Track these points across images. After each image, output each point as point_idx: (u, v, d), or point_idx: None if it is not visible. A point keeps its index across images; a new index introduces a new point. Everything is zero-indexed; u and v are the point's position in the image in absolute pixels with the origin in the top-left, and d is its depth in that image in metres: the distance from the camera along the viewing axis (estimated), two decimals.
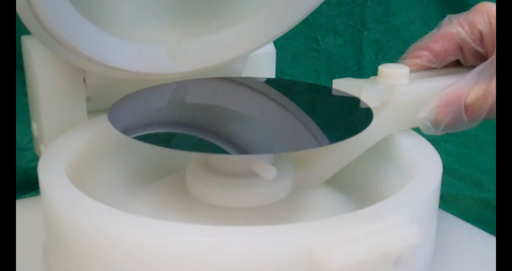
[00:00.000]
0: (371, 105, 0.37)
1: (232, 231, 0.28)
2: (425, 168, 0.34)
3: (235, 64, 0.46)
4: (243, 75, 0.47)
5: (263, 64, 0.49)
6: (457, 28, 0.39)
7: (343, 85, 0.40)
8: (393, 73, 0.38)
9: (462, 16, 0.40)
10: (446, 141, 0.66)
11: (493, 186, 0.58)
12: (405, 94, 0.38)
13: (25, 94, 0.43)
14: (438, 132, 0.38)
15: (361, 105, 0.37)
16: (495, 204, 0.53)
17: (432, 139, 0.38)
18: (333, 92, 0.40)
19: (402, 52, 0.41)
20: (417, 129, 0.39)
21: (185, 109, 0.40)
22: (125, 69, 0.39)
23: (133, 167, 0.42)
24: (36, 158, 0.41)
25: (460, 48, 0.40)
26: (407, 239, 0.28)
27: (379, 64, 0.39)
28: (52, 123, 0.40)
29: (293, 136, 0.36)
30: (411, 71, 0.39)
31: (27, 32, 0.36)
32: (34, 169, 0.34)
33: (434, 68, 0.41)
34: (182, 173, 0.38)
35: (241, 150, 0.34)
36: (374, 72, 0.39)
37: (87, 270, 0.30)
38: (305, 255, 0.27)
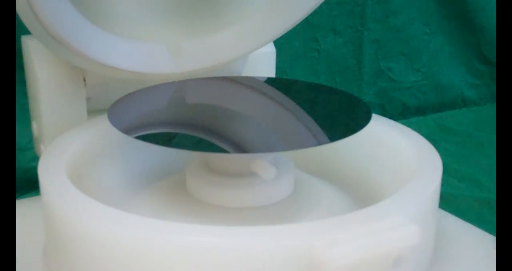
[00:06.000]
0: None
1: (232, 231, 0.28)
2: (425, 168, 0.34)
3: (235, 64, 0.45)
4: (243, 75, 0.47)
5: (263, 64, 0.49)
6: None
7: None
8: None
9: None
10: (446, 141, 0.66)
11: (493, 186, 0.58)
12: None
13: (25, 94, 0.43)
14: None
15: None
16: (495, 204, 0.53)
17: (432, 139, 0.38)
18: (333, 91, 0.40)
19: (402, 52, 0.41)
20: (418, 130, 0.39)
21: (185, 109, 0.40)
22: (125, 69, 0.39)
23: (133, 167, 0.42)
24: (36, 158, 0.41)
25: None
26: (407, 239, 0.28)
27: (379, 64, 0.39)
28: (52, 123, 0.40)
29: (292, 135, 0.36)
30: None
31: (27, 32, 0.36)
32: (34, 169, 0.34)
33: None
34: (183, 173, 0.38)
35: (241, 149, 0.34)
36: (374, 72, 0.39)
37: (87, 270, 0.30)
38: (305, 255, 0.27)
